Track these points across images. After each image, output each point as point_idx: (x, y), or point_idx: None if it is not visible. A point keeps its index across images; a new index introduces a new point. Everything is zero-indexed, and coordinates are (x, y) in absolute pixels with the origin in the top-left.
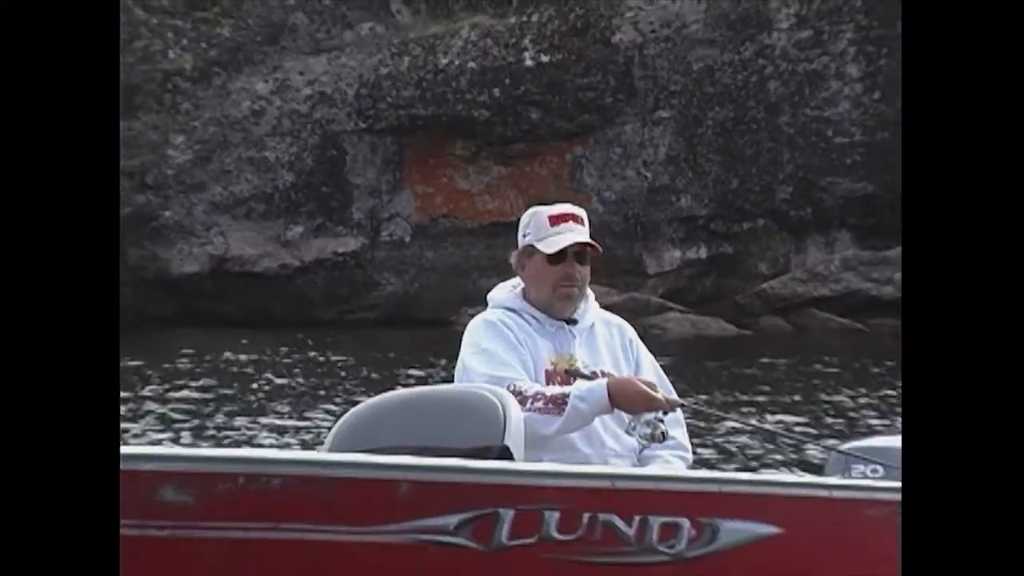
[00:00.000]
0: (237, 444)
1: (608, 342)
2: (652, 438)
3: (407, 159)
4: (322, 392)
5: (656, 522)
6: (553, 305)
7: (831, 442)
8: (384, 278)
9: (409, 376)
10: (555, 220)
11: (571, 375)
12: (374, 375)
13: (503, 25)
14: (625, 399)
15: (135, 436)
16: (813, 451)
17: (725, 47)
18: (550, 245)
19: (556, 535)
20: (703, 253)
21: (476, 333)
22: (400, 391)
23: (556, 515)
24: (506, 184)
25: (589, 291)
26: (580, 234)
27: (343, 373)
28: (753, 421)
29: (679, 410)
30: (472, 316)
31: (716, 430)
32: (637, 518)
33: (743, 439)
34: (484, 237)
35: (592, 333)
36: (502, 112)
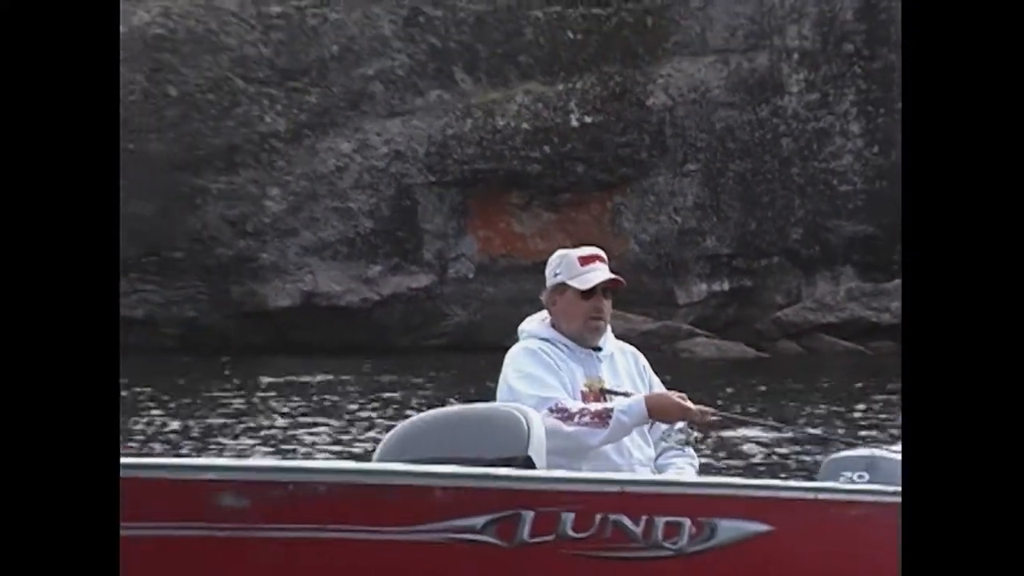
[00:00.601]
0: (328, 456)
1: (626, 367)
2: (686, 443)
3: (470, 207)
4: (395, 407)
5: (661, 521)
6: (584, 335)
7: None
8: (451, 310)
9: (473, 394)
10: (585, 261)
11: (606, 394)
12: (440, 394)
13: (552, 91)
14: (662, 411)
15: (231, 450)
16: (819, 456)
17: (744, 108)
18: (584, 282)
19: (572, 534)
20: (726, 286)
21: (519, 360)
22: (439, 409)
23: (572, 516)
24: (555, 228)
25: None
26: (607, 272)
27: (418, 392)
28: (770, 421)
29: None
30: None
31: (734, 439)
32: (644, 518)
33: (750, 446)
34: (536, 273)
35: (613, 359)
36: (551, 166)
